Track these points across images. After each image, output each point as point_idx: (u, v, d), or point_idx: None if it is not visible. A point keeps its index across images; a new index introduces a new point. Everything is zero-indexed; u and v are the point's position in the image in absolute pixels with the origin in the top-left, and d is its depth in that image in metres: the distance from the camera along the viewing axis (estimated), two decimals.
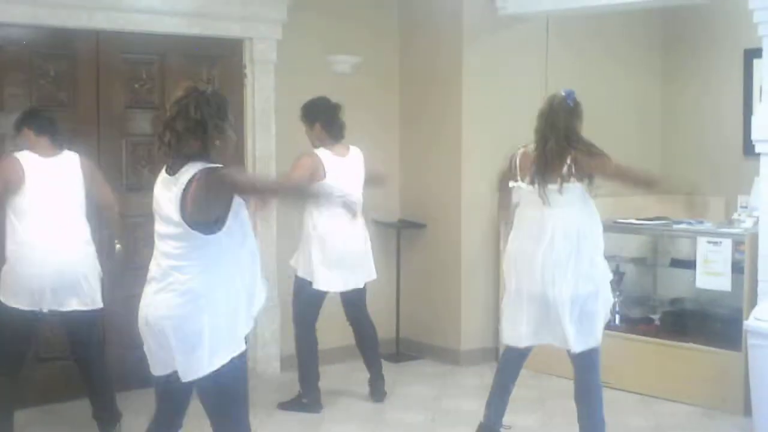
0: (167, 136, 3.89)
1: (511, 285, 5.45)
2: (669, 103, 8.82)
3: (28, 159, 5.47)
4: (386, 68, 8.01)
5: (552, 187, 5.20)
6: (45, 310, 5.45)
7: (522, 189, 5.36)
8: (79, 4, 6.46)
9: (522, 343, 5.41)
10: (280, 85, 7.35)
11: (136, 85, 6.85)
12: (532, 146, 5.34)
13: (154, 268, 3.97)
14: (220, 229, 3.83)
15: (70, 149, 5.64)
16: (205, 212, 3.81)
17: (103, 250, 6.08)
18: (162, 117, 3.99)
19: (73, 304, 5.50)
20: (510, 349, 5.54)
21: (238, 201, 3.88)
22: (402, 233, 7.96)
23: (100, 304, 5.62)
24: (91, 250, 5.63)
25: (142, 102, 6.87)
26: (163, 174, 3.97)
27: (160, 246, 3.94)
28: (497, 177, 5.66)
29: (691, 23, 8.41)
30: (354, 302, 6.58)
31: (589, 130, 5.46)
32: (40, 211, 5.43)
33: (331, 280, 6.36)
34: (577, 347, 5.24)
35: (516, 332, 5.40)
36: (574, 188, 5.20)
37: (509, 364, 5.59)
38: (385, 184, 6.98)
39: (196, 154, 3.86)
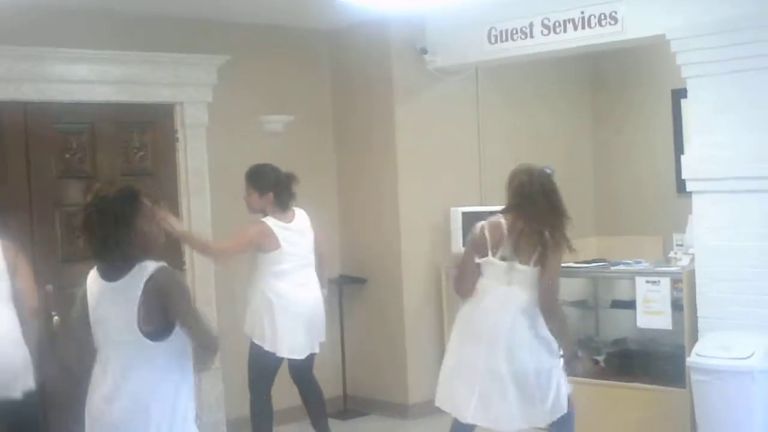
0: (91, 239, 3.81)
1: (460, 354, 5.30)
2: (601, 145, 8.94)
3: None
4: (320, 126, 8.03)
5: (520, 267, 5.13)
6: None
7: (493, 264, 5.19)
8: (5, 77, 6.42)
9: (467, 420, 5.24)
10: (213, 147, 7.34)
11: (67, 155, 6.80)
12: (501, 217, 5.22)
13: (101, 377, 3.86)
14: (170, 333, 3.76)
15: None
16: (157, 319, 3.73)
17: (41, 325, 6.00)
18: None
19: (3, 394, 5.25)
20: (457, 425, 5.40)
21: None
22: (343, 289, 7.93)
23: (26, 390, 5.34)
24: (15, 334, 5.34)
25: (75, 171, 6.81)
26: (97, 280, 3.85)
27: (110, 354, 3.84)
28: (465, 250, 5.43)
29: (619, 66, 8.56)
30: (304, 366, 6.50)
31: None
32: None
33: (293, 347, 6.28)
34: (553, 417, 5.21)
35: (465, 406, 5.23)
36: (537, 271, 5.15)
37: None
38: None
39: (123, 260, 3.76)
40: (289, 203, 6.39)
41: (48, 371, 5.66)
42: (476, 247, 5.23)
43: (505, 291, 5.15)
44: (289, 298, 6.25)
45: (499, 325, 5.15)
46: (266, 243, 6.21)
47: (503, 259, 5.15)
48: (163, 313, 3.74)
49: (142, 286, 3.71)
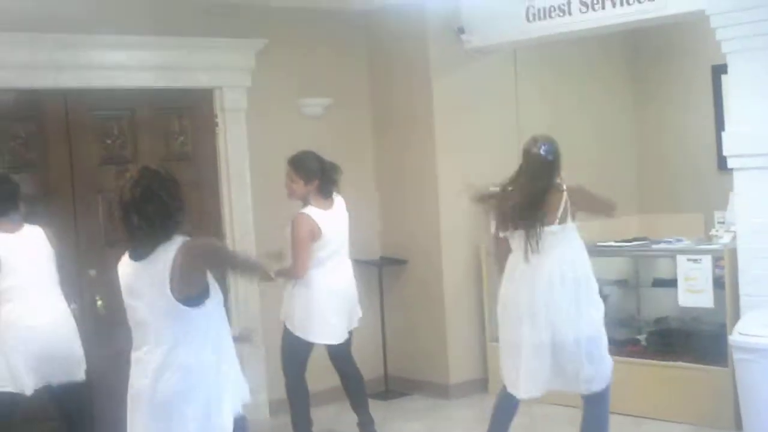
0: (135, 219, 3.83)
1: (509, 334, 5.40)
2: (642, 122, 8.88)
3: None
4: (357, 108, 8.03)
5: (548, 229, 5.19)
6: (28, 393, 5.36)
7: (516, 237, 5.31)
8: (45, 65, 6.48)
9: (531, 394, 5.33)
10: (252, 131, 7.37)
11: (108, 141, 6.86)
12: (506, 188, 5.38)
13: (144, 357, 3.92)
14: (206, 298, 3.85)
15: (30, 223, 5.57)
16: (195, 284, 3.82)
17: (86, 310, 6.12)
18: (119, 199, 3.89)
19: (59, 378, 5.44)
20: (505, 395, 5.48)
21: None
22: (384, 270, 7.95)
23: (83, 376, 5.56)
24: (71, 321, 5.57)
25: (116, 157, 6.86)
26: (128, 262, 3.92)
27: (149, 331, 3.89)
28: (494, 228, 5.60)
29: (659, 42, 8.48)
30: (341, 349, 6.54)
31: (564, 155, 5.50)
32: (20, 290, 5.36)
33: (326, 333, 6.32)
34: (589, 389, 5.26)
35: (525, 384, 5.33)
36: (568, 228, 5.23)
37: (506, 405, 5.51)
38: None
39: (164, 235, 3.83)
40: (332, 192, 6.42)
41: (93, 356, 5.78)
42: (499, 222, 5.42)
43: (534, 262, 5.22)
44: (323, 285, 6.26)
45: (534, 297, 5.22)
46: (314, 232, 6.23)
47: (518, 229, 5.26)
48: (197, 274, 3.82)
49: (173, 254, 3.77)
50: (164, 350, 3.85)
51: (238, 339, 4.19)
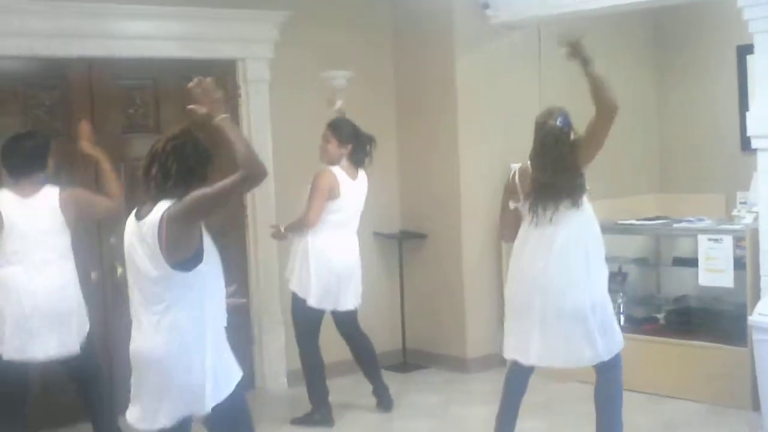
0: (154, 170, 3.83)
1: (517, 300, 5.36)
2: (665, 102, 8.84)
3: (6, 200, 5.37)
4: (380, 81, 8.03)
5: (563, 204, 5.16)
6: (18, 358, 5.32)
7: (525, 207, 5.30)
8: (71, 33, 6.52)
9: (530, 361, 5.31)
10: (275, 102, 7.38)
11: (131, 110, 6.90)
12: (528, 164, 5.32)
13: (140, 317, 3.92)
14: (200, 262, 3.82)
15: (52, 183, 5.52)
16: (185, 248, 3.78)
17: (106, 277, 6.18)
18: (151, 148, 3.89)
19: (53, 350, 5.37)
20: (516, 365, 5.46)
21: (204, 232, 3.88)
22: (403, 244, 7.97)
23: (77, 349, 5.45)
24: (72, 293, 5.47)
25: (138, 126, 6.92)
26: (132, 219, 3.92)
27: (143, 294, 3.89)
28: (502, 197, 5.56)
29: (683, 21, 8.43)
30: (345, 320, 6.61)
31: None
32: (22, 254, 5.34)
33: (325, 299, 6.40)
34: (606, 356, 5.22)
35: (525, 349, 5.30)
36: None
37: (516, 380, 5.49)
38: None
39: (170, 196, 3.79)
40: (362, 162, 6.51)
41: (112, 324, 5.80)
42: (509, 193, 5.37)
43: (548, 231, 5.18)
44: (332, 252, 6.36)
45: (547, 267, 5.19)
46: (334, 190, 6.31)
47: (532, 206, 5.20)
48: (188, 237, 3.78)
49: (158, 218, 3.74)
50: (158, 311, 3.84)
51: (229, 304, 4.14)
